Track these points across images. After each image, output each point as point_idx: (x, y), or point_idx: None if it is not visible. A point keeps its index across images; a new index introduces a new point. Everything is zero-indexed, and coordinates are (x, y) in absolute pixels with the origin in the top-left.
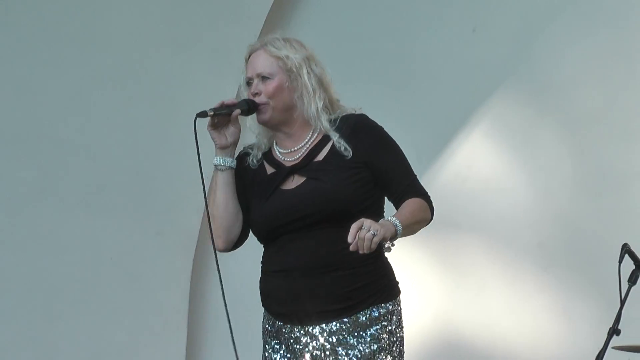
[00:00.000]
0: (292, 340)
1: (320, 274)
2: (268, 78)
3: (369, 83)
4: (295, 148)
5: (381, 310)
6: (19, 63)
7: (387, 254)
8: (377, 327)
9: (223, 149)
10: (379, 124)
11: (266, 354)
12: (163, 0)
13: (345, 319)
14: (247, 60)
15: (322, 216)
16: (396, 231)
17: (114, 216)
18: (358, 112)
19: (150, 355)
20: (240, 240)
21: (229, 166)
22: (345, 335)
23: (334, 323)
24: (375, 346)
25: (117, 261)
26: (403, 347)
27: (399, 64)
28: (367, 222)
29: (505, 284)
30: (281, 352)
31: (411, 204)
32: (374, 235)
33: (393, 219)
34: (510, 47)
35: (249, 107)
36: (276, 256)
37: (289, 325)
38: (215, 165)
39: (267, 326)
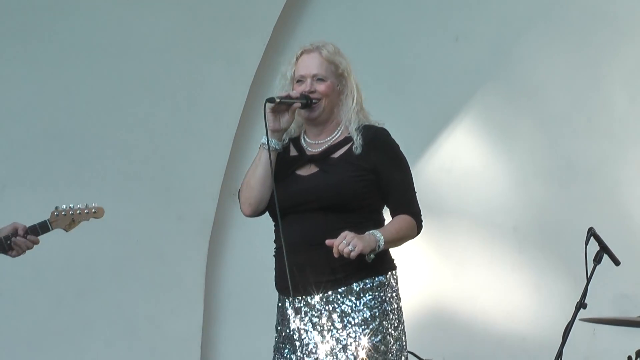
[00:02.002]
0: (294, 313)
1: (318, 248)
2: (322, 79)
3: (364, 86)
4: (322, 141)
5: (374, 282)
6: (61, 72)
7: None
8: (370, 296)
9: (274, 132)
10: (389, 118)
11: (279, 328)
12: (184, 17)
13: (340, 289)
14: (297, 58)
15: (324, 204)
16: (377, 246)
17: (140, 203)
18: (381, 125)
19: (172, 325)
20: (263, 212)
21: (275, 148)
22: (340, 304)
23: (330, 292)
24: (368, 313)
25: (142, 242)
26: (401, 316)
27: (392, 70)
28: (348, 237)
29: (484, 262)
30: (289, 323)
31: (401, 222)
32: (351, 251)
33: (378, 234)
34: (489, 54)
35: (307, 102)
36: (284, 233)
37: (290, 299)
38: (263, 144)
39: (279, 303)
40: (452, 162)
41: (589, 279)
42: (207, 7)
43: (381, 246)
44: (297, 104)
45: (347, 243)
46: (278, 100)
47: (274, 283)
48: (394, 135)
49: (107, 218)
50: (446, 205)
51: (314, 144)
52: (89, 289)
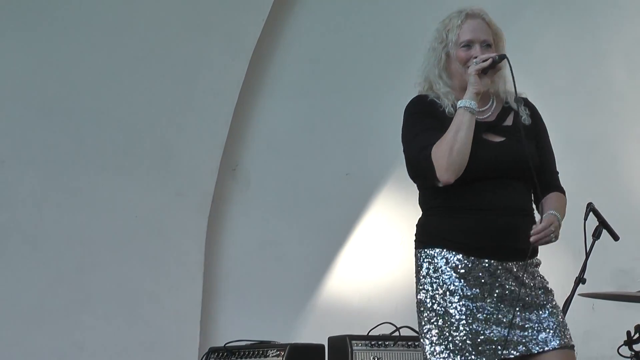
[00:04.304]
0: (480, 273)
1: (517, 215)
2: (490, 46)
3: (364, 62)
4: (482, 109)
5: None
6: (60, 47)
7: None
8: (539, 272)
9: (477, 94)
10: (376, 97)
11: (439, 288)
12: None
13: (529, 260)
14: (462, 21)
15: (519, 171)
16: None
17: (139, 178)
18: (523, 95)
19: (171, 301)
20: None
21: (476, 110)
22: (529, 275)
23: (526, 261)
24: (547, 286)
25: (141, 218)
26: None
27: (391, 46)
28: (554, 225)
29: None
30: (467, 284)
31: (561, 201)
32: (552, 239)
33: (557, 215)
34: None
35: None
36: (474, 197)
37: (483, 259)
38: (466, 107)
39: (445, 261)
40: None
41: (588, 254)
42: None
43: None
44: (500, 66)
45: (553, 231)
46: (497, 59)
47: (441, 240)
48: (394, 112)
49: (106, 193)
50: None
51: (477, 112)
52: (89, 264)
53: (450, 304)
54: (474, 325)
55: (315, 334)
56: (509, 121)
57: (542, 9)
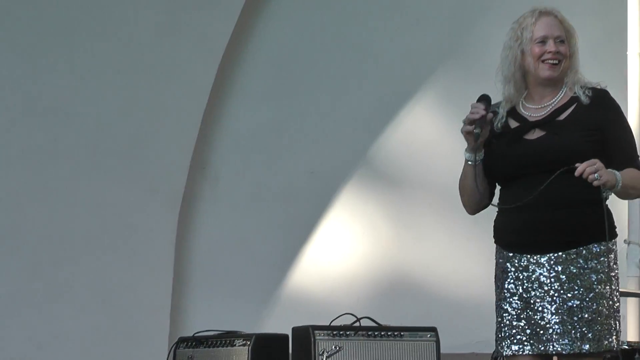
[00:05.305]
0: (521, 268)
1: (553, 209)
2: (563, 41)
3: (327, 65)
4: (545, 104)
5: (601, 247)
6: (35, 49)
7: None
8: (596, 261)
9: (475, 148)
10: (339, 99)
11: (499, 283)
12: None
13: (570, 251)
14: (536, 19)
15: (556, 165)
16: (615, 184)
17: (113, 176)
18: (603, 87)
19: (143, 293)
20: (487, 204)
21: (480, 160)
22: (569, 265)
23: (560, 253)
24: (594, 277)
25: (115, 213)
26: (618, 285)
27: (355, 50)
28: (598, 164)
29: (442, 233)
30: (510, 279)
31: (632, 172)
32: (596, 179)
33: (618, 174)
34: (448, 34)
35: (488, 102)
36: (514, 194)
37: (518, 255)
38: (467, 160)
39: (500, 260)
40: (413, 136)
41: None
42: None
43: (619, 186)
44: (490, 115)
45: (595, 170)
46: (478, 130)
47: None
48: (355, 110)
49: (82, 191)
50: (406, 177)
51: (537, 108)
52: (63, 257)
53: (499, 299)
54: (505, 321)
55: (280, 324)
56: (564, 115)
57: (498, 15)
